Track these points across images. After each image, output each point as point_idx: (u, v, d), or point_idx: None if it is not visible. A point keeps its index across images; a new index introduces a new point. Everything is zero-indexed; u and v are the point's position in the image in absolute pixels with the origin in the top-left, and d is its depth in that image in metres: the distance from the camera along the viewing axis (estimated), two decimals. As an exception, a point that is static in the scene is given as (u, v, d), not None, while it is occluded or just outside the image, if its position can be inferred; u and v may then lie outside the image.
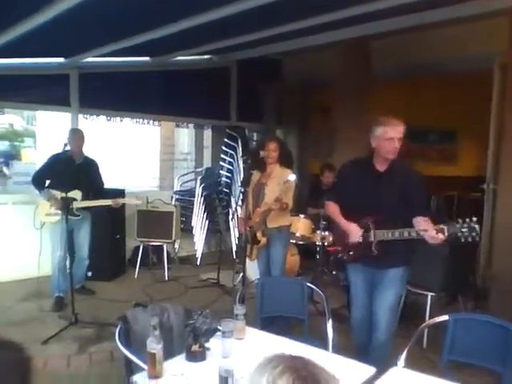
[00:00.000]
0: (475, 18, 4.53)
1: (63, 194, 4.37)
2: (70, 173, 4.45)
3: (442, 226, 2.63)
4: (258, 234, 3.91)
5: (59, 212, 4.46)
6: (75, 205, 4.49)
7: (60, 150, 4.24)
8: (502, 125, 4.78)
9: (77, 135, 4.74)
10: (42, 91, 5.58)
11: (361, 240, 2.93)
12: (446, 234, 2.62)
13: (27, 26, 3.85)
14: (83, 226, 4.76)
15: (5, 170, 12.83)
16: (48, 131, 12.20)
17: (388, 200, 2.86)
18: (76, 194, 4.50)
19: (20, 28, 3.90)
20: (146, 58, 6.08)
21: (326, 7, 4.09)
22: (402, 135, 2.84)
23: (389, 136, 2.83)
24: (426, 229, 2.64)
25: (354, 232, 2.94)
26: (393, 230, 2.79)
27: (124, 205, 5.02)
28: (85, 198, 4.57)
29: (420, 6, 3.85)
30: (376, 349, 2.98)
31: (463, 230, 2.60)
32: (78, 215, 4.57)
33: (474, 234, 2.59)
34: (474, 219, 2.61)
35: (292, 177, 3.73)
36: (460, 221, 2.62)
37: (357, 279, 3.13)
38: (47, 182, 4.65)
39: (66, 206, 4.21)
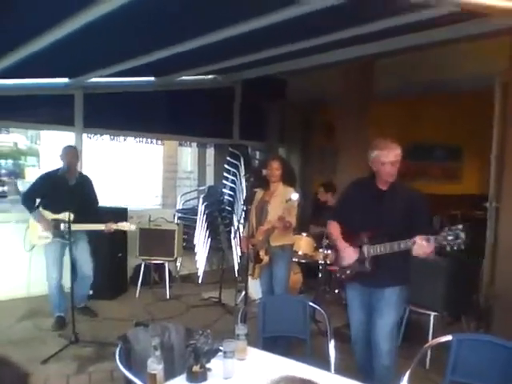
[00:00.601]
0: (477, 37, 4.58)
1: (53, 216, 4.35)
2: (63, 193, 4.26)
3: (428, 236, 2.63)
4: (261, 253, 3.90)
5: (49, 234, 4.39)
6: (66, 227, 4.23)
7: (52, 169, 4.21)
8: (504, 143, 4.79)
9: (70, 152, 4.53)
10: (46, 111, 5.64)
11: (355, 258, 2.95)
12: (432, 242, 2.62)
13: (34, 47, 3.91)
14: (80, 244, 4.58)
15: (18, 184, 12.76)
16: (52, 150, 12.30)
17: (389, 217, 2.88)
18: (67, 215, 4.18)
19: (26, 49, 3.97)
20: (151, 78, 6.15)
21: (330, 27, 4.14)
22: (397, 158, 2.86)
23: (382, 161, 2.87)
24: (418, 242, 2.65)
25: (349, 256, 2.99)
26: (384, 244, 2.81)
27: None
28: (77, 219, 4.28)
29: (422, 25, 3.89)
30: (379, 374, 2.95)
31: (449, 238, 2.61)
32: (67, 238, 4.26)
33: (459, 241, 2.59)
34: (460, 226, 2.60)
35: (295, 196, 3.74)
36: (446, 229, 2.63)
37: (354, 299, 3.14)
38: (37, 201, 4.50)
39: (58, 229, 4.16)
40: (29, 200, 4.52)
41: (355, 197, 3.11)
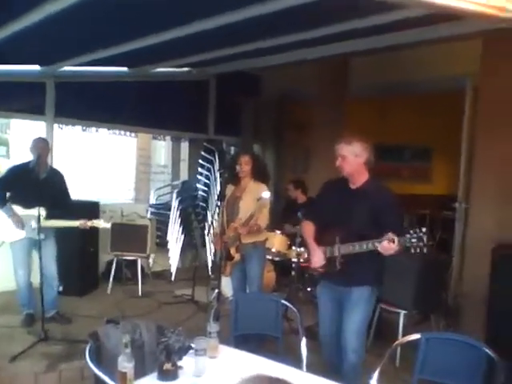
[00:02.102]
0: (449, 39, 4.67)
1: (24, 211, 4.19)
2: (33, 187, 4.07)
3: (392, 237, 2.68)
4: (232, 250, 3.86)
5: (20, 231, 4.24)
6: (35, 224, 4.04)
7: (22, 161, 4.04)
8: (473, 145, 4.91)
9: (40, 144, 4.35)
10: (17, 99, 5.47)
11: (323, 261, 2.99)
12: (396, 243, 2.67)
13: (5, 32, 3.81)
14: (47, 244, 4.35)
15: None
16: (22, 140, 11.96)
17: (357, 216, 2.90)
18: (38, 211, 4.00)
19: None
20: (124, 69, 6.05)
21: (305, 25, 4.16)
22: (340, 152, 2.95)
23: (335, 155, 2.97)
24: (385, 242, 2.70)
25: (317, 258, 3.02)
26: (353, 243, 2.85)
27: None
28: (49, 215, 4.12)
29: (397, 25, 3.94)
30: (347, 370, 2.97)
31: (412, 240, 2.67)
32: (41, 236, 4.05)
33: (421, 244, 2.66)
34: (424, 229, 2.67)
35: (266, 194, 3.71)
36: (411, 231, 2.68)
37: (323, 296, 3.18)
38: (7, 195, 4.33)
39: (30, 226, 3.99)
40: None
41: (328, 195, 3.14)
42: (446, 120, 6.87)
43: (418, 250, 2.67)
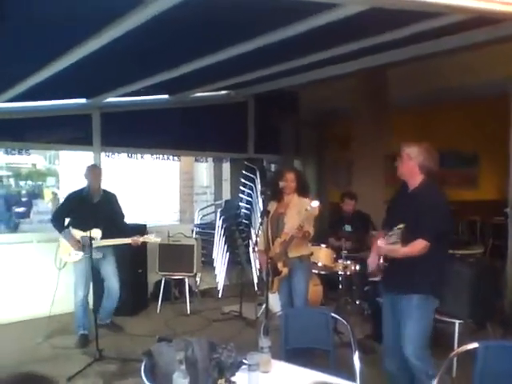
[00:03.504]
0: (489, 44, 4.56)
1: (82, 234, 4.42)
2: (89, 211, 4.45)
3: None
4: (279, 265, 3.89)
5: (80, 252, 4.49)
6: (95, 244, 4.35)
7: (77, 188, 4.29)
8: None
9: (94, 171, 4.73)
10: (65, 131, 5.77)
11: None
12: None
13: (50, 70, 4.01)
14: (107, 260, 4.70)
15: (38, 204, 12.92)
16: (71, 170, 12.50)
17: (405, 220, 2.86)
18: (96, 232, 4.38)
19: (44, 72, 4.07)
20: (165, 96, 6.24)
21: (340, 40, 4.18)
22: (401, 153, 3.00)
23: None
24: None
25: (370, 261, 3.09)
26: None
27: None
28: (105, 235, 4.48)
29: (434, 33, 3.90)
30: (419, 377, 2.94)
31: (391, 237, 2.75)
32: (98, 255, 4.47)
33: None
34: (401, 226, 2.73)
35: (315, 203, 3.73)
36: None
37: (384, 305, 3.18)
38: (67, 220, 4.66)
39: (88, 246, 4.22)
40: (57, 220, 4.68)
41: (393, 200, 3.25)
42: (492, 125, 6.68)
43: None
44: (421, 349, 2.94)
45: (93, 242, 4.32)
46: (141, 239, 4.58)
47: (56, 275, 4.59)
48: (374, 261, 3.04)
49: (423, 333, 2.95)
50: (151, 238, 4.64)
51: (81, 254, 4.52)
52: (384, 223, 3.22)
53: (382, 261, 2.95)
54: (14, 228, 10.49)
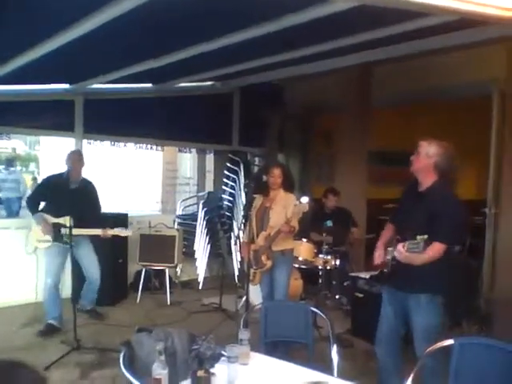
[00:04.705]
0: (474, 45, 4.62)
1: (55, 220, 4.33)
2: (65, 197, 4.33)
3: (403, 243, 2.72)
4: (263, 258, 3.93)
5: (50, 238, 4.39)
6: (64, 232, 4.23)
7: (56, 172, 4.18)
8: (503, 150, 4.84)
9: (76, 158, 4.59)
10: (46, 117, 5.65)
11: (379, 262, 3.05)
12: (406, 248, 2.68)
13: (34, 53, 3.95)
14: (83, 249, 4.56)
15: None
16: (51, 156, 12.30)
17: (415, 219, 2.88)
18: (67, 220, 4.16)
19: (27, 55, 4.00)
20: (149, 85, 6.18)
21: (327, 36, 4.19)
22: (418, 149, 2.93)
23: None
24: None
25: (376, 255, 3.08)
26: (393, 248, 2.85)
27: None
28: (77, 224, 4.23)
29: (420, 33, 3.94)
30: (425, 375, 2.89)
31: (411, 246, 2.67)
32: (68, 243, 4.21)
33: (417, 250, 2.65)
34: (425, 237, 2.61)
35: (305, 199, 3.77)
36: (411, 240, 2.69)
37: (384, 299, 3.18)
38: (42, 204, 4.55)
39: (58, 233, 4.16)
40: (32, 203, 4.58)
41: (403, 198, 3.19)
42: (472, 125, 6.77)
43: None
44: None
45: (62, 229, 4.23)
46: (110, 232, 4.43)
47: (35, 262, 4.51)
48: (379, 257, 3.04)
49: (431, 329, 2.94)
50: (121, 232, 4.49)
51: (51, 240, 4.41)
52: (391, 219, 3.23)
53: (389, 257, 2.95)
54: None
